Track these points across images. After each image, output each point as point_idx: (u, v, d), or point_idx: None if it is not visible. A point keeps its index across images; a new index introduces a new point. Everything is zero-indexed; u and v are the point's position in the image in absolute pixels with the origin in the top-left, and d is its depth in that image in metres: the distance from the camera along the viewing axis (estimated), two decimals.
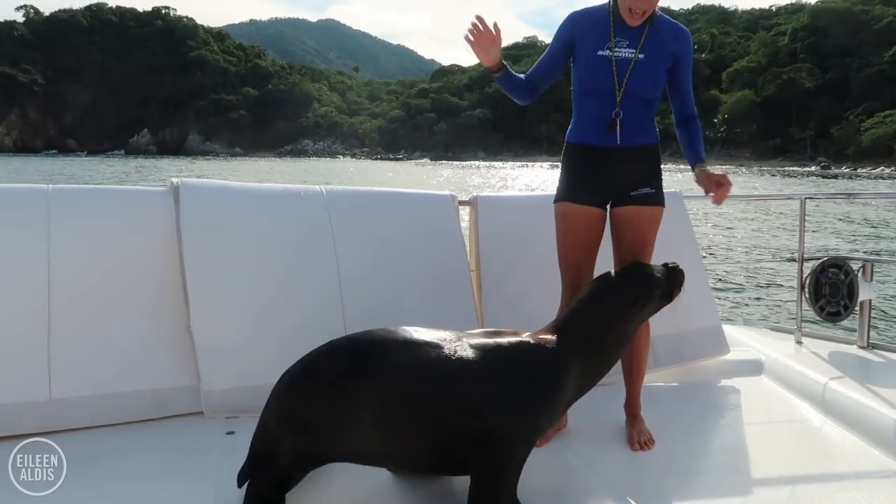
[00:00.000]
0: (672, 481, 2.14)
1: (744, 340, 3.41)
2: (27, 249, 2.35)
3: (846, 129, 77.42)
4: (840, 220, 19.32)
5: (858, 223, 19.04)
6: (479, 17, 2.34)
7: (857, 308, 3.35)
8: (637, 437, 2.34)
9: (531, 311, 2.48)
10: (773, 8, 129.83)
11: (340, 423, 1.74)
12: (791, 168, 72.87)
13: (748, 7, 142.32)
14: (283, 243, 2.64)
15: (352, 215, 2.81)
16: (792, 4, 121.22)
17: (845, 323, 3.56)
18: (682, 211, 3.23)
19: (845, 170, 69.34)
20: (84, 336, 2.36)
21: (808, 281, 3.47)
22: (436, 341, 1.81)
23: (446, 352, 1.78)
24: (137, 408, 2.39)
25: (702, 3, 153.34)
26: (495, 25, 2.33)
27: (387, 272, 2.77)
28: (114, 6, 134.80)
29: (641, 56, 2.29)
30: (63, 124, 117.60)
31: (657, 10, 2.32)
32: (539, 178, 43.04)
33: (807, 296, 3.47)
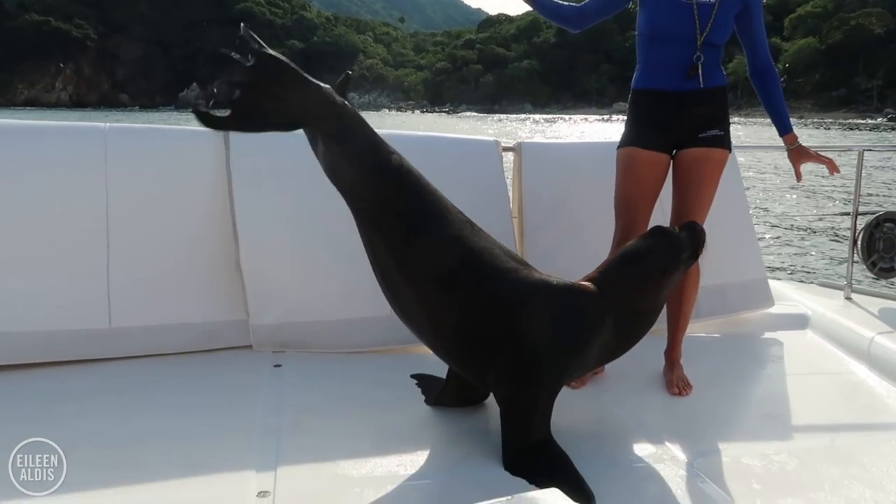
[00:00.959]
0: (708, 426, 2.14)
1: (790, 295, 3.34)
2: (86, 184, 2.45)
3: None
4: None
5: None
6: None
7: None
8: (675, 381, 2.35)
9: (572, 260, 2.47)
10: None
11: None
12: (855, 120, 69.49)
13: None
14: (329, 184, 2.68)
15: None
16: None
17: None
18: (731, 160, 3.15)
19: None
20: (140, 269, 2.47)
21: (861, 235, 3.36)
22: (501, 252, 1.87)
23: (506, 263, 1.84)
24: (190, 339, 2.49)
25: None
26: None
27: None
28: None
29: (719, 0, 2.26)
30: (115, 79, 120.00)
31: None
32: (589, 131, 42.11)
33: (859, 251, 3.37)
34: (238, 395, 2.18)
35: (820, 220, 10.67)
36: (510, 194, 3.01)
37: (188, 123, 2.50)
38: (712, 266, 2.84)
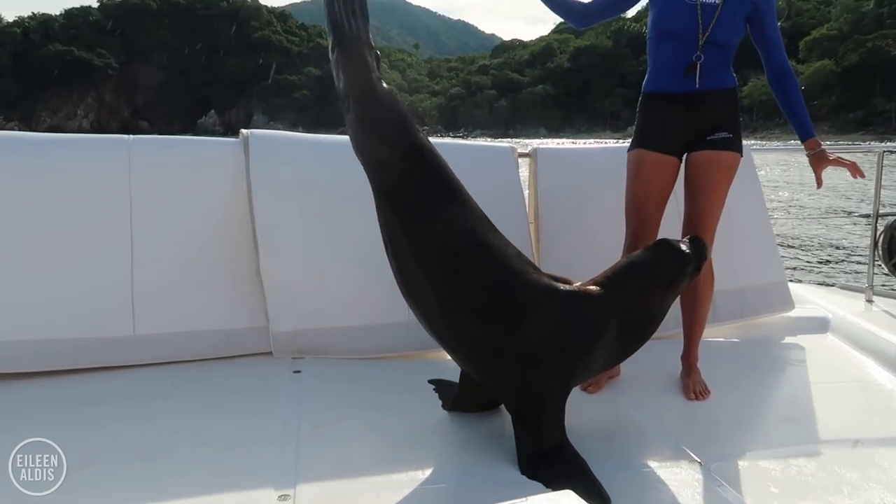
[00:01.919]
0: (726, 430, 2.12)
1: (810, 298, 3.31)
2: (111, 193, 2.50)
3: None
4: None
5: None
6: None
7: None
8: (692, 386, 2.33)
9: (589, 264, 2.45)
10: None
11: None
12: (874, 142, 69.04)
13: None
14: (347, 191, 2.72)
15: None
16: None
17: None
18: (748, 162, 3.15)
19: None
20: (163, 276, 2.51)
21: (882, 237, 3.34)
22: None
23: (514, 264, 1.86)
24: (212, 346, 2.52)
25: None
26: None
27: None
28: None
29: (723, 1, 2.28)
30: (136, 106, 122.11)
31: None
32: None
33: (880, 253, 3.34)
34: (258, 400, 2.20)
35: (840, 221, 10.56)
36: (526, 200, 3.03)
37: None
38: (731, 269, 2.84)
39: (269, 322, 2.54)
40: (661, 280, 1.94)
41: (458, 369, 2.02)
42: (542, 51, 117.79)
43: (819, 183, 2.45)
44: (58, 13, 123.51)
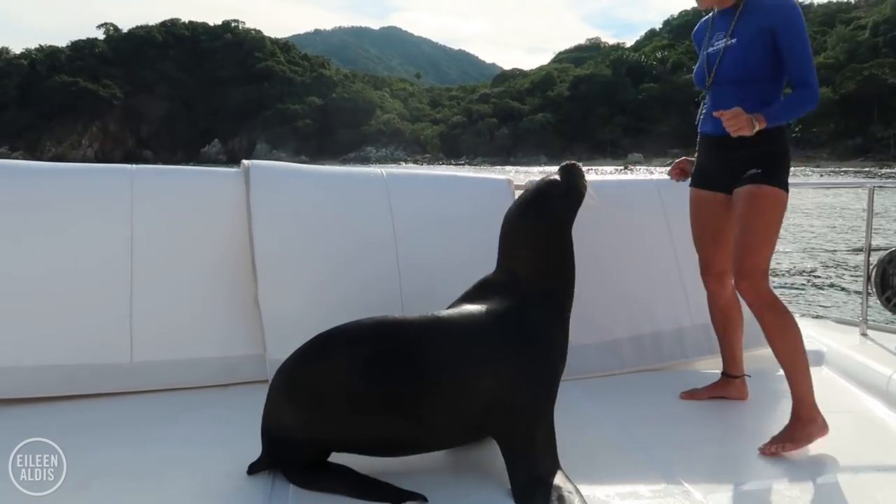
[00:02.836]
0: (720, 461, 2.14)
1: (805, 331, 3.24)
2: (113, 222, 2.54)
3: None
4: None
5: None
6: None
7: None
8: (779, 441, 2.15)
9: (585, 291, 2.49)
10: (853, 1, 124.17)
11: (356, 406, 1.79)
12: (873, 168, 69.36)
13: (824, 0, 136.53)
14: (345, 223, 2.76)
15: (411, 197, 2.91)
16: None
17: None
18: None
19: None
20: (162, 305, 2.54)
21: (874, 272, 3.36)
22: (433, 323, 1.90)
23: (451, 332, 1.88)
24: (209, 374, 2.54)
25: None
26: None
27: (443, 253, 2.85)
28: (186, 21, 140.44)
29: (733, 41, 2.34)
30: (140, 136, 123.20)
31: None
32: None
33: (873, 286, 3.36)
34: (254, 428, 2.20)
35: (833, 255, 10.61)
36: None
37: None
38: None
39: (266, 350, 2.56)
40: (554, 219, 2.02)
41: None
42: (542, 79, 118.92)
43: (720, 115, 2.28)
44: (64, 45, 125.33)
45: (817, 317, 5.68)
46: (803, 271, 9.95)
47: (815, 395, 2.24)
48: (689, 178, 2.62)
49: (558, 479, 1.78)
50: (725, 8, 2.42)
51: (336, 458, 1.91)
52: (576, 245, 2.95)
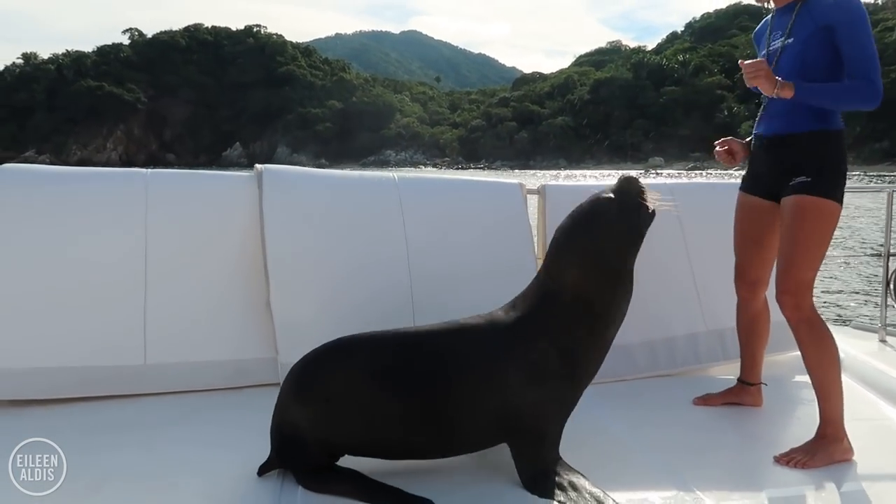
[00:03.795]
0: (734, 469, 2.11)
1: None
2: (127, 226, 2.58)
3: None
4: None
5: None
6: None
7: None
8: (798, 454, 2.13)
9: None
10: (879, 2, 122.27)
11: (369, 410, 1.82)
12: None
13: None
14: (357, 226, 2.78)
15: (422, 201, 2.91)
16: None
17: None
18: None
19: None
20: (175, 307, 2.57)
21: (894, 277, 3.31)
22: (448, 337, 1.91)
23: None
24: (221, 376, 2.56)
25: None
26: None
27: (454, 257, 2.85)
28: (209, 26, 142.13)
29: (790, 40, 2.28)
30: (163, 140, 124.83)
31: None
32: None
33: (892, 292, 3.31)
34: (265, 431, 2.21)
35: (851, 261, 10.44)
36: (535, 237, 3.05)
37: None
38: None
39: (279, 353, 2.58)
40: (594, 236, 1.90)
41: None
42: (562, 83, 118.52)
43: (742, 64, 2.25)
44: (90, 50, 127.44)
45: (837, 323, 5.61)
46: (821, 276, 9.83)
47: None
48: (737, 164, 2.53)
49: (561, 467, 1.85)
50: (783, 6, 2.34)
51: (344, 461, 1.92)
52: None
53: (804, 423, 2.51)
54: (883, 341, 3.25)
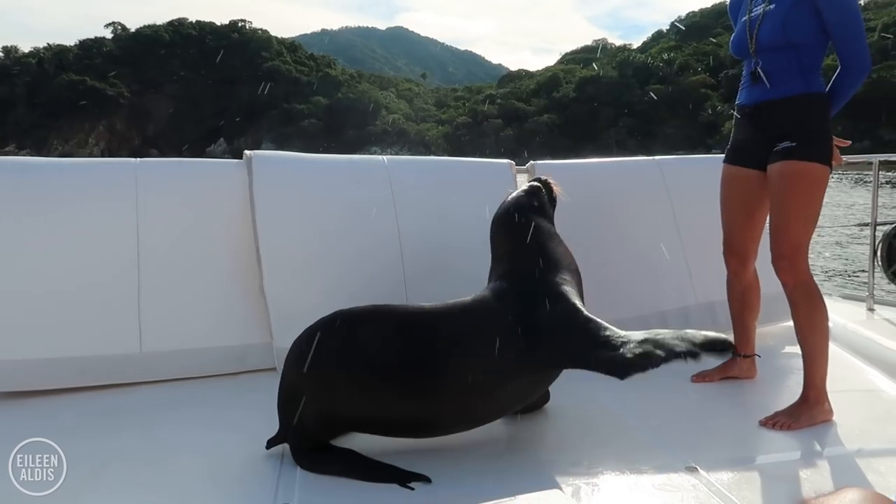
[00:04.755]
0: (725, 437, 2.15)
1: None
2: (119, 215, 2.58)
3: None
4: None
5: None
6: None
7: None
8: (782, 417, 2.21)
9: (585, 276, 2.52)
10: (861, 2, 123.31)
11: (370, 384, 1.83)
12: (882, 172, 68.93)
13: None
14: (348, 209, 2.79)
15: (412, 183, 2.94)
16: None
17: None
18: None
19: None
20: (169, 295, 2.57)
21: (880, 246, 3.36)
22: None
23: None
24: (216, 363, 2.57)
25: None
26: None
27: (446, 237, 2.88)
28: (194, 21, 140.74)
29: (772, 6, 2.28)
30: (146, 134, 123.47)
31: None
32: None
33: (879, 261, 3.36)
34: (262, 414, 2.23)
35: (839, 230, 10.56)
36: None
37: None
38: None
39: (273, 338, 2.59)
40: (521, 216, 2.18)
41: None
42: (548, 81, 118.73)
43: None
44: (72, 44, 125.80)
45: (823, 293, 5.68)
46: (809, 248, 9.94)
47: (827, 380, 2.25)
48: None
49: (610, 330, 1.83)
50: None
51: (344, 440, 1.93)
52: (579, 227, 3.01)
53: (794, 393, 2.57)
54: (871, 309, 3.31)
